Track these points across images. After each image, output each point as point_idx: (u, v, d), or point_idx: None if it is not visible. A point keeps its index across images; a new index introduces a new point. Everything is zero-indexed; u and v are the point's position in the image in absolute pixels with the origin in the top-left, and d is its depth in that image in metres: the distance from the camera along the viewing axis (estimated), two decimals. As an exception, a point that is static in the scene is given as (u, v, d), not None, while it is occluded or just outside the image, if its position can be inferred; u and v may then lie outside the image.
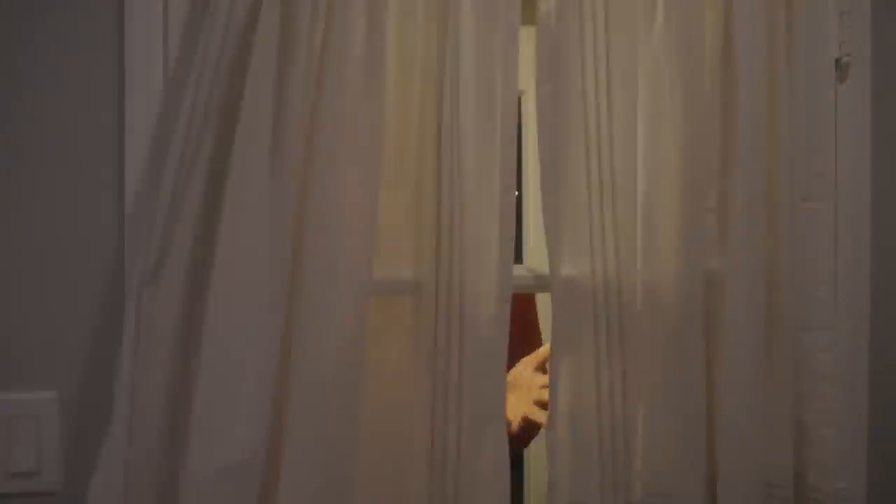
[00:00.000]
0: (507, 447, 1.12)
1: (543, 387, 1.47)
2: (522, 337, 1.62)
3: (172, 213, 1.01)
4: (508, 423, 1.18)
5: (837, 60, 1.28)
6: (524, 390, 1.51)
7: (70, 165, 1.09)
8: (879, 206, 1.32)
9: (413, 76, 1.12)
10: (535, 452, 1.82)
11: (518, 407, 1.49)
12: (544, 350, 1.53)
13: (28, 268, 1.08)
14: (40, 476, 1.08)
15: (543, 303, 1.76)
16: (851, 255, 1.30)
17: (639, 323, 1.15)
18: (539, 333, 1.78)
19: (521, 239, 1.87)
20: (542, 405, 1.45)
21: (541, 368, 1.51)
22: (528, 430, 1.51)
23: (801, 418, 1.23)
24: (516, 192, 1.15)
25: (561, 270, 1.13)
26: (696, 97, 1.14)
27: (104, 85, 1.09)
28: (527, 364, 1.53)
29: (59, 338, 1.08)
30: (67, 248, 1.09)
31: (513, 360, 1.57)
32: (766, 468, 1.20)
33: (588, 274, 1.13)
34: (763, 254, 1.18)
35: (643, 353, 1.15)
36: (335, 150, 1.04)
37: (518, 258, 1.74)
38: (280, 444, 1.03)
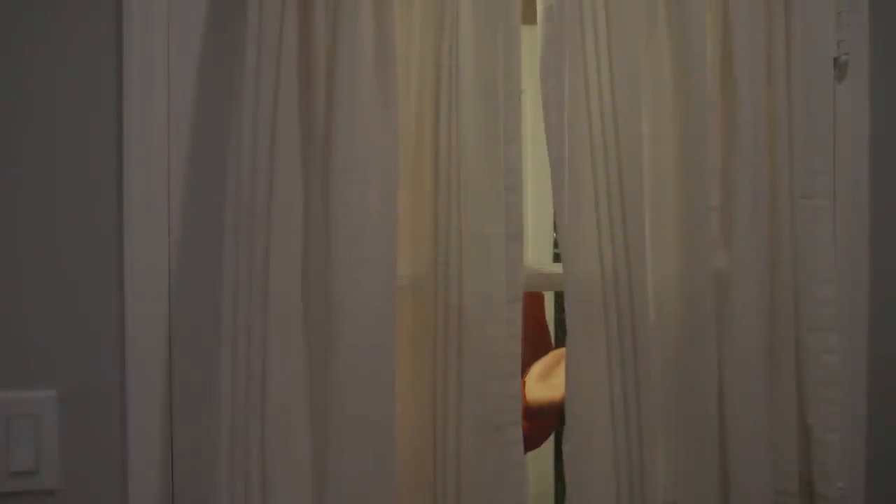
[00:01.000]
0: (522, 454, 1.12)
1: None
2: (532, 338, 1.62)
3: (255, 227, 1.03)
4: None
5: (836, 60, 1.30)
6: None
7: (69, 164, 1.09)
8: (878, 205, 1.34)
9: (410, 73, 1.12)
10: (532, 453, 1.81)
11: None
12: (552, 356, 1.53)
13: (27, 266, 1.08)
14: (39, 475, 1.07)
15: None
16: (850, 253, 1.32)
17: (650, 324, 1.15)
18: (548, 334, 1.77)
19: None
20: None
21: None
22: (536, 415, 1.49)
23: (805, 422, 1.23)
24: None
25: (573, 269, 1.13)
26: (697, 95, 1.15)
27: (103, 85, 1.10)
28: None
29: (58, 337, 1.08)
30: (67, 247, 1.09)
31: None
32: (774, 474, 1.21)
33: (598, 273, 1.13)
34: (767, 252, 1.19)
35: (655, 355, 1.15)
36: (353, 152, 1.05)
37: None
38: (326, 447, 1.05)
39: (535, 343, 1.65)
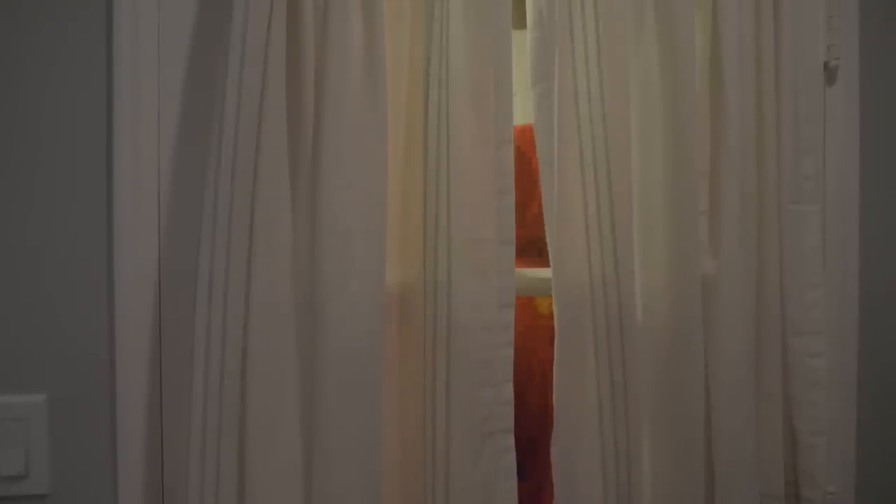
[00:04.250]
0: (514, 462, 1.14)
1: None
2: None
3: (229, 228, 1.03)
4: None
5: (826, 64, 1.34)
6: None
7: (56, 164, 1.11)
8: (867, 209, 1.37)
9: (400, 76, 1.14)
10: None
11: None
12: None
13: (16, 270, 1.10)
14: (29, 479, 1.10)
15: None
16: (839, 258, 1.36)
17: (638, 328, 1.18)
18: None
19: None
20: None
21: None
22: None
23: (792, 425, 1.27)
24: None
25: (561, 273, 1.16)
26: (685, 99, 1.18)
27: (93, 84, 1.12)
28: None
29: (48, 341, 1.11)
30: (56, 251, 1.11)
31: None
32: (760, 477, 1.24)
33: (586, 277, 1.16)
34: (754, 256, 1.22)
35: (643, 359, 1.18)
36: (342, 155, 1.07)
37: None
38: (312, 453, 1.07)
39: None
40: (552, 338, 1.17)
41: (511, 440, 1.14)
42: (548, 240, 1.17)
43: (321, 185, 1.07)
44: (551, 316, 1.17)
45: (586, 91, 1.16)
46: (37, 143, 1.10)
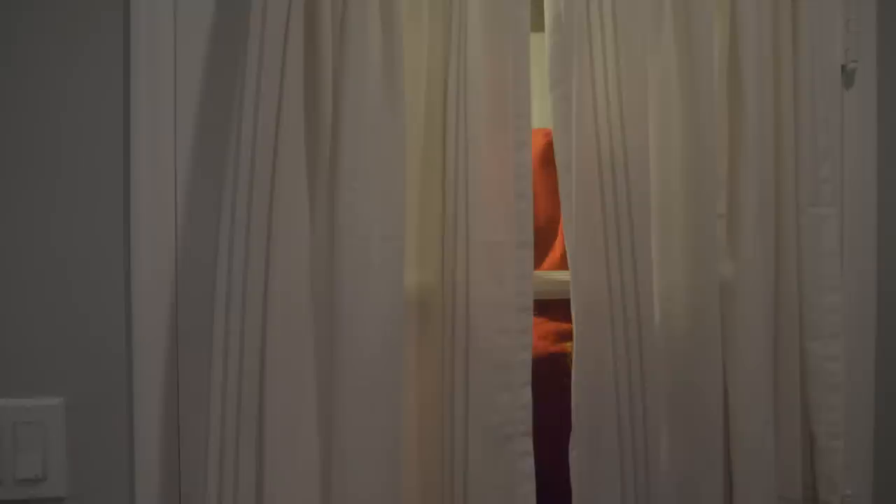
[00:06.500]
0: (531, 466, 1.15)
1: None
2: None
3: (247, 232, 1.04)
4: None
5: (843, 67, 1.34)
6: None
7: (75, 168, 1.12)
8: (885, 212, 1.38)
9: (419, 79, 1.15)
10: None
11: None
12: None
13: (33, 272, 1.11)
14: (46, 482, 1.11)
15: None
16: (857, 261, 1.37)
17: (656, 330, 1.19)
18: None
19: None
20: None
21: None
22: None
23: (810, 429, 1.27)
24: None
25: (580, 277, 1.17)
26: (704, 102, 1.19)
27: (110, 84, 1.13)
28: None
29: (65, 344, 1.12)
30: (73, 253, 1.12)
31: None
32: (778, 480, 1.25)
33: (605, 281, 1.16)
34: (772, 260, 1.23)
35: (661, 363, 1.19)
36: (360, 161, 1.08)
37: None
38: (331, 457, 1.08)
39: None
40: None
41: (529, 444, 1.15)
42: (566, 242, 1.17)
43: (339, 188, 1.07)
44: None
45: (604, 94, 1.17)
46: (55, 149, 1.11)
